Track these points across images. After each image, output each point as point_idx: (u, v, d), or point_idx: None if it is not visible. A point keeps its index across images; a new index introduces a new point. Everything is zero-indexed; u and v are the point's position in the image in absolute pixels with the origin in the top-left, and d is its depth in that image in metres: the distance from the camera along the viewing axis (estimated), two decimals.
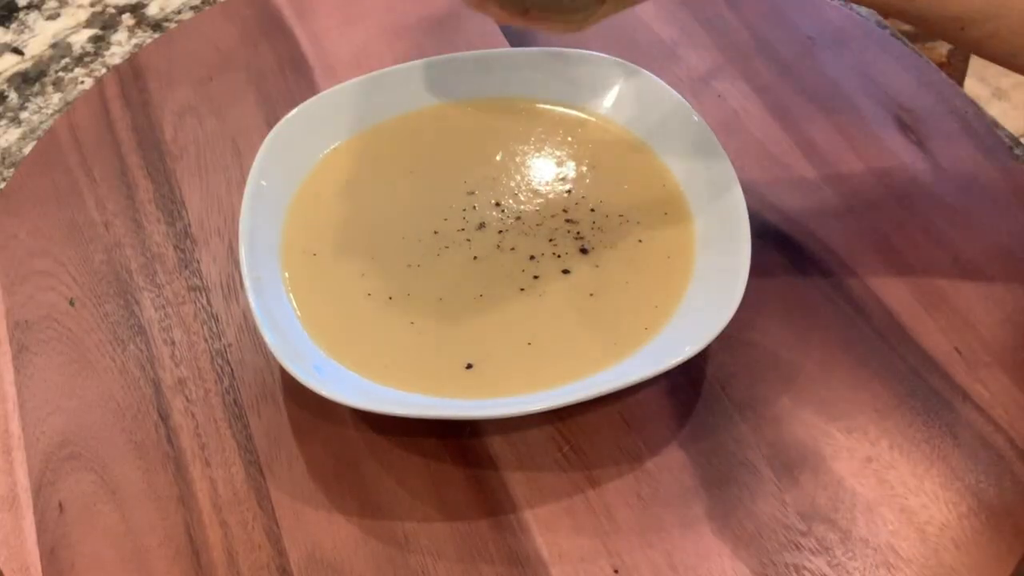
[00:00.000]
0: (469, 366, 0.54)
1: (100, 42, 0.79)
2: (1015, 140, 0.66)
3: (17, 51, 0.79)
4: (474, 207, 0.60)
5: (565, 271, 0.57)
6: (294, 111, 0.62)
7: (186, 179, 0.67)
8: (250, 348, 0.58)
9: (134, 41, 0.79)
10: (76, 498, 0.53)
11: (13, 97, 0.75)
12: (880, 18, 0.74)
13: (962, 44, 0.51)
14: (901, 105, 0.67)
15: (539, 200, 0.61)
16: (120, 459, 0.54)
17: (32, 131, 0.72)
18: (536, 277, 0.57)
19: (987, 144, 0.65)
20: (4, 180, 0.69)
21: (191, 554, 0.51)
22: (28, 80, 0.76)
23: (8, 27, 0.81)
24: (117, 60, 0.77)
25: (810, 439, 0.53)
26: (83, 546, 0.51)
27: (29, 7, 0.83)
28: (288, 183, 0.61)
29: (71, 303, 0.61)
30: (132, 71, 0.74)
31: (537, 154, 0.63)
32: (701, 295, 0.54)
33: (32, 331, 0.60)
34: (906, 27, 0.62)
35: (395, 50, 0.73)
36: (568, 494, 0.51)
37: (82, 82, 0.76)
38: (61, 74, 0.77)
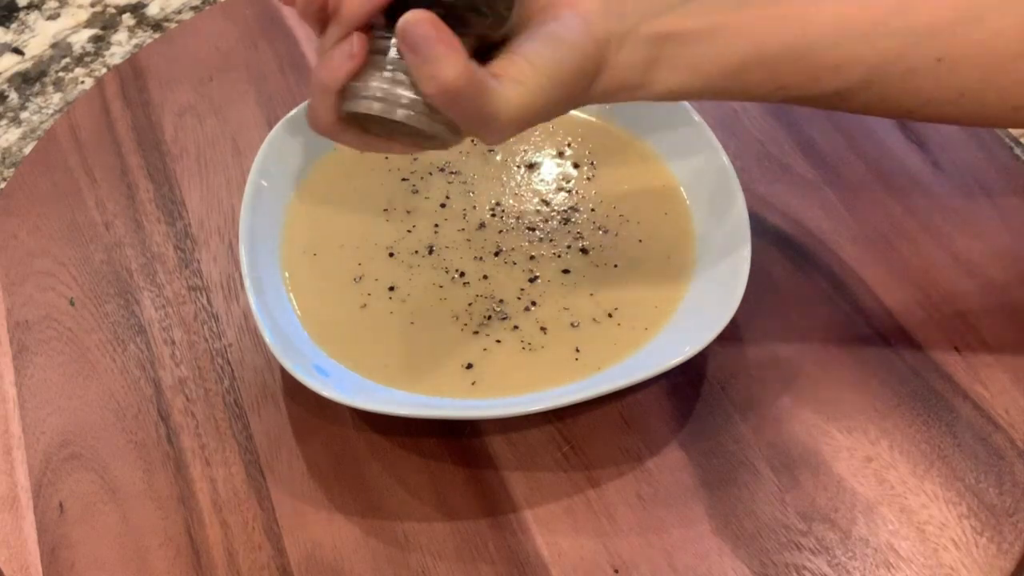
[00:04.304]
0: (469, 366, 0.54)
1: (100, 42, 0.79)
2: (1015, 140, 0.66)
3: (17, 51, 0.79)
4: (474, 207, 0.60)
5: (565, 271, 0.57)
6: (294, 111, 0.62)
7: (186, 179, 0.67)
8: (250, 348, 0.58)
9: (134, 41, 0.79)
10: (76, 498, 0.53)
11: (13, 97, 0.75)
12: None
13: (853, 111, 0.48)
14: None
15: (539, 200, 0.61)
16: (120, 459, 0.54)
17: (32, 131, 0.72)
18: (536, 277, 0.57)
19: (987, 144, 0.65)
20: (4, 180, 0.69)
21: (191, 554, 0.51)
22: (28, 80, 0.76)
23: (8, 27, 0.81)
24: (117, 60, 0.77)
25: (810, 439, 0.53)
26: (83, 546, 0.51)
27: (29, 7, 0.83)
28: (288, 183, 0.61)
29: (71, 303, 0.61)
30: (132, 71, 0.74)
31: (537, 154, 0.63)
32: (701, 295, 0.54)
33: (32, 331, 0.60)
34: None
35: None
36: (568, 494, 0.51)
37: (82, 82, 0.76)
38: (61, 74, 0.77)
